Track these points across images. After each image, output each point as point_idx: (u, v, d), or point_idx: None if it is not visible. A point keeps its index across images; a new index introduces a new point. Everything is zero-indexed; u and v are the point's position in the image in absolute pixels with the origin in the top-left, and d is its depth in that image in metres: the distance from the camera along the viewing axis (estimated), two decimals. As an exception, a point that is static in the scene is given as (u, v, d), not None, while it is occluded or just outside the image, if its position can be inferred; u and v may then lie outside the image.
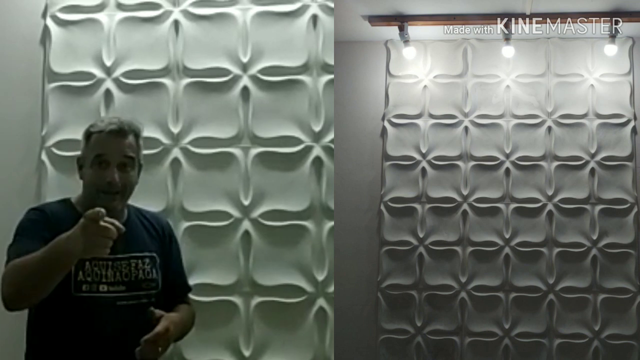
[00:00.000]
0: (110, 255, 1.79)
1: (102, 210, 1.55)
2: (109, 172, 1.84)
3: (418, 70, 3.64)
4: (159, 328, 1.76)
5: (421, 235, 3.55)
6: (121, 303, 1.84)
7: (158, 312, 1.82)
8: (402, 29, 3.41)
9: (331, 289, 2.37)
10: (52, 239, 1.71)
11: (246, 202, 2.41)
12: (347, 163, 3.62)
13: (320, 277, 2.37)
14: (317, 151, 2.41)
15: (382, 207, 3.60)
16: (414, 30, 3.44)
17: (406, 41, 3.50)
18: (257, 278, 2.38)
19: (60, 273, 1.60)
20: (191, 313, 2.09)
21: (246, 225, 2.41)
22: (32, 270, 1.59)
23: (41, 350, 1.81)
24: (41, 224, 1.80)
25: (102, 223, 1.54)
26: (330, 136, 2.42)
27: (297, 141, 2.41)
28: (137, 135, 1.93)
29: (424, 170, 3.59)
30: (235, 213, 2.41)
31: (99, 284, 1.81)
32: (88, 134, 1.91)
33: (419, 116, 3.62)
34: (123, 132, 1.88)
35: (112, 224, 1.56)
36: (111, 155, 1.86)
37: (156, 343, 1.74)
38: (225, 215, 2.41)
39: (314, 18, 2.45)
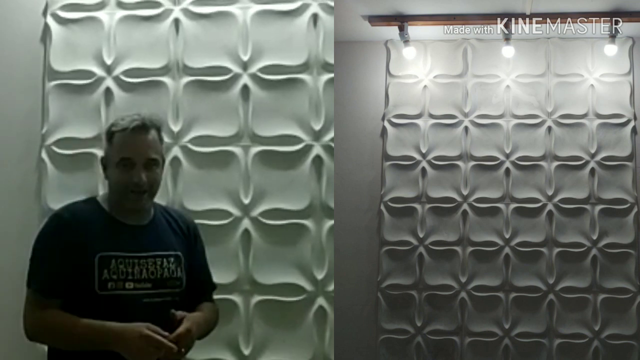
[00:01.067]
0: (135, 253, 1.82)
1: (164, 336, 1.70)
2: (135, 172, 1.83)
3: (418, 70, 3.64)
4: (180, 329, 1.75)
5: (421, 235, 3.55)
6: (147, 300, 1.82)
7: (179, 313, 1.81)
8: (402, 29, 3.41)
9: (331, 287, 2.37)
10: (73, 241, 1.77)
11: (246, 201, 2.41)
12: (347, 163, 3.62)
13: (320, 276, 2.36)
14: (317, 150, 2.41)
15: (382, 207, 3.60)
16: (414, 30, 3.44)
17: (406, 41, 3.50)
18: (257, 277, 2.38)
19: (90, 350, 1.73)
20: (215, 311, 2.06)
21: (246, 223, 2.41)
22: (65, 335, 1.73)
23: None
24: (58, 231, 1.80)
25: (168, 344, 1.70)
26: (331, 135, 2.41)
27: (297, 140, 2.41)
28: (158, 130, 1.91)
29: (424, 170, 3.59)
30: (235, 212, 2.41)
31: (125, 281, 1.80)
32: (110, 133, 1.88)
33: (419, 116, 3.62)
34: (146, 128, 1.86)
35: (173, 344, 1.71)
36: (137, 156, 1.84)
37: (178, 344, 1.74)
38: (225, 213, 2.41)
39: (314, 17, 2.45)
